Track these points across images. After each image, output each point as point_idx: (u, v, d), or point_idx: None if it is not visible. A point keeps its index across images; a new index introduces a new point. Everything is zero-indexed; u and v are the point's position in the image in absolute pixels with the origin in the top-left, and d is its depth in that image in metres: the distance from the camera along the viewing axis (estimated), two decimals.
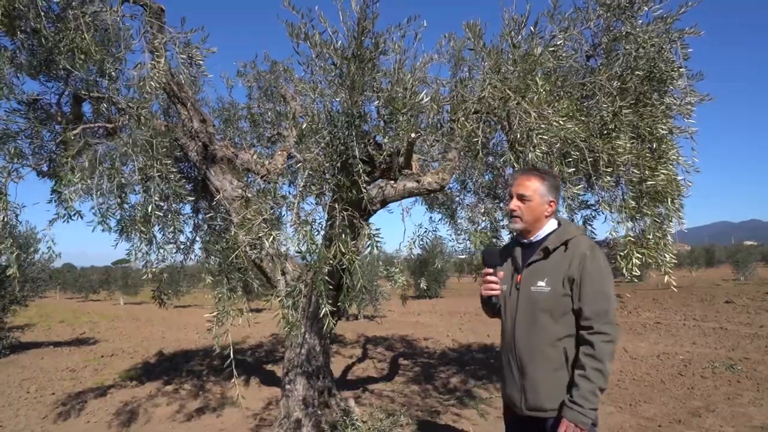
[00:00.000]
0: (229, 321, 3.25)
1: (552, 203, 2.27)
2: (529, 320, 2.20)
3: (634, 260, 3.41)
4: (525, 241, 2.34)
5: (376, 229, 2.97)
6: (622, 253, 3.46)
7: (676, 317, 12.15)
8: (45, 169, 4.20)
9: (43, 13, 3.26)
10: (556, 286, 2.14)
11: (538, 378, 2.16)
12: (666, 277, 3.58)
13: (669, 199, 3.53)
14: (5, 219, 3.26)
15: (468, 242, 3.23)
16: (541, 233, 2.29)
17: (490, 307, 2.44)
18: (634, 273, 3.43)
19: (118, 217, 3.75)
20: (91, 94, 4.01)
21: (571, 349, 2.11)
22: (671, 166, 3.59)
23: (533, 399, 2.18)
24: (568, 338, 2.12)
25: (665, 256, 3.61)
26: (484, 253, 2.42)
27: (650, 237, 3.60)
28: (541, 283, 2.18)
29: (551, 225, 2.30)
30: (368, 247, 3.00)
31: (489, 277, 2.35)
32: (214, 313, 3.29)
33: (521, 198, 2.27)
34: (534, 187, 2.26)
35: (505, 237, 4.60)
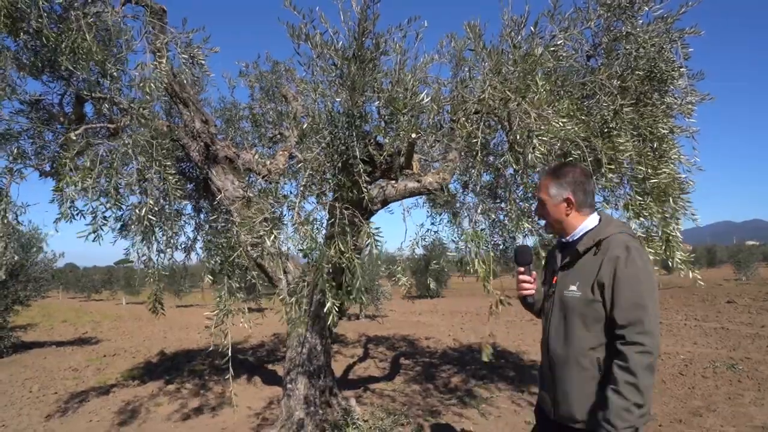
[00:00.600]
0: (229, 320, 3.26)
1: (568, 200, 2.11)
2: (562, 326, 2.10)
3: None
4: (564, 240, 2.21)
5: (376, 228, 2.98)
6: None
7: (677, 317, 12.14)
8: (47, 169, 4.22)
9: (45, 14, 3.28)
10: (585, 290, 2.00)
11: (569, 388, 2.03)
12: (690, 274, 3.59)
13: (671, 198, 3.54)
14: (6, 220, 3.27)
15: (464, 243, 3.24)
16: (578, 232, 2.13)
17: (528, 307, 2.38)
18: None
19: (118, 218, 3.78)
20: (93, 95, 4.03)
21: (606, 359, 1.95)
22: (673, 165, 3.60)
23: (564, 409, 2.06)
24: (602, 347, 1.96)
25: (676, 254, 3.62)
26: (517, 251, 2.37)
27: (657, 234, 3.61)
28: (573, 287, 2.06)
29: (590, 222, 2.12)
30: (368, 245, 3.01)
31: (521, 276, 2.30)
32: (215, 312, 3.31)
33: (539, 201, 2.20)
34: (544, 189, 2.17)
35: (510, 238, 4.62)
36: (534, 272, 2.33)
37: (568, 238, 2.17)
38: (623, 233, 2.04)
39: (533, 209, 2.29)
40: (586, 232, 2.11)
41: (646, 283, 1.92)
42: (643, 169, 3.31)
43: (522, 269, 2.31)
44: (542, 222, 2.25)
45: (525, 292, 2.31)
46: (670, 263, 3.70)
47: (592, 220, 2.13)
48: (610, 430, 1.80)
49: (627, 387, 1.80)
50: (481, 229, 4.22)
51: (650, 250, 3.41)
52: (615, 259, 1.95)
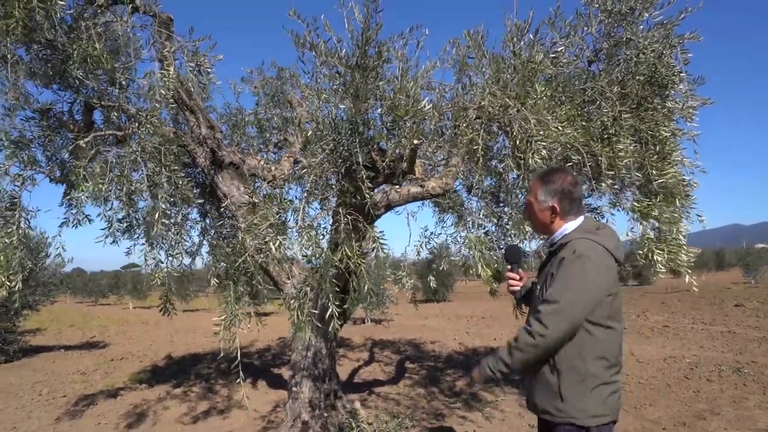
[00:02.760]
0: (237, 324, 3.32)
1: (553, 208, 2.16)
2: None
3: (656, 257, 3.39)
4: (547, 243, 2.30)
5: (380, 232, 3.04)
6: (641, 252, 3.47)
7: (684, 321, 12.09)
8: (57, 175, 4.30)
9: (57, 24, 3.36)
10: (541, 292, 2.13)
11: (533, 382, 2.17)
12: (686, 278, 3.59)
13: (677, 199, 3.55)
14: (20, 230, 3.35)
15: (467, 248, 3.29)
16: (556, 236, 2.19)
17: (518, 303, 2.54)
18: (659, 271, 3.42)
19: (125, 223, 3.88)
20: (102, 103, 4.11)
21: (560, 357, 2.04)
22: (676, 167, 3.62)
23: (531, 398, 2.21)
24: (560, 347, 2.04)
25: (682, 257, 3.63)
26: (506, 250, 2.51)
27: (668, 236, 3.62)
28: (538, 287, 2.20)
29: (570, 226, 2.16)
30: (373, 249, 3.06)
31: (508, 274, 2.43)
32: (222, 317, 3.36)
33: (528, 204, 2.29)
34: (533, 193, 2.24)
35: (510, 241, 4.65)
36: (521, 270, 2.46)
37: (550, 240, 2.26)
38: (583, 239, 2.06)
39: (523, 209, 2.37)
40: (562, 237, 2.17)
41: (572, 285, 1.99)
42: (640, 175, 3.34)
43: (510, 267, 2.45)
44: (529, 222, 2.35)
45: (511, 289, 2.44)
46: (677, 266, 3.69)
47: (572, 224, 2.17)
48: (486, 360, 2.13)
49: (507, 346, 2.08)
50: (485, 233, 4.26)
51: (659, 251, 3.40)
52: (560, 261, 2.05)
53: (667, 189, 3.48)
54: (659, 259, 3.41)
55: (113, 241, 3.73)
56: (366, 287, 2.99)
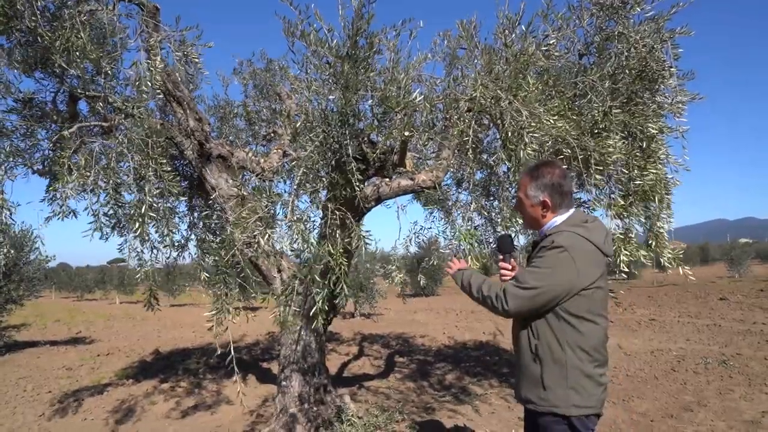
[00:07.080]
0: (228, 319, 3.28)
1: (545, 203, 2.19)
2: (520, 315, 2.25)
3: (622, 257, 3.47)
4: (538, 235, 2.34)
5: (367, 231, 3.01)
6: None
7: (670, 314, 12.23)
8: (40, 167, 4.21)
9: (39, 12, 3.28)
10: None
11: (521, 372, 2.22)
12: (680, 270, 3.64)
13: (656, 198, 3.58)
14: (3, 224, 3.27)
15: (457, 241, 3.28)
16: (545, 228, 2.23)
17: None
18: (622, 269, 3.50)
19: (112, 215, 3.80)
20: (86, 93, 4.02)
21: (542, 347, 2.09)
22: (660, 166, 3.64)
23: (517, 389, 2.26)
24: (541, 336, 2.10)
25: (665, 252, 3.68)
26: (499, 239, 2.51)
27: (641, 235, 3.68)
28: None
29: (559, 219, 2.20)
30: (357, 247, 3.03)
31: (501, 264, 2.44)
32: (214, 312, 3.32)
33: (518, 199, 2.31)
34: (523, 189, 2.26)
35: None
36: (513, 260, 2.46)
37: (540, 234, 2.28)
38: (567, 231, 2.11)
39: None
40: (549, 228, 2.21)
41: (542, 274, 2.06)
42: (627, 172, 3.36)
43: (502, 257, 2.45)
44: (521, 218, 2.37)
45: (503, 279, 2.43)
46: (661, 261, 3.74)
47: (561, 217, 2.21)
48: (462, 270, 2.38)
49: (474, 282, 2.29)
50: (475, 227, 4.25)
51: (626, 252, 3.47)
52: (539, 249, 2.13)
53: (643, 191, 3.52)
54: (624, 258, 3.48)
55: (101, 236, 3.67)
56: (341, 287, 2.95)
